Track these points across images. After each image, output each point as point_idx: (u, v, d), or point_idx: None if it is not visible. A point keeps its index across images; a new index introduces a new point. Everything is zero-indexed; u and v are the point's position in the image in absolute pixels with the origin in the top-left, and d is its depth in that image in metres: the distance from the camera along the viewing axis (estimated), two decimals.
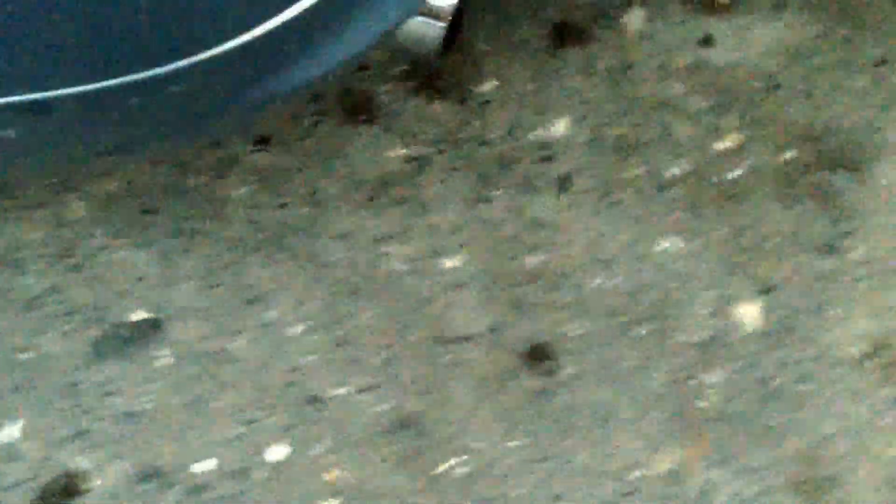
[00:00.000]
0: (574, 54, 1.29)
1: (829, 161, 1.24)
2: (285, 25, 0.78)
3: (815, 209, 1.22)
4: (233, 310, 1.15)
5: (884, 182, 1.24)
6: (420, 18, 0.95)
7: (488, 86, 1.27)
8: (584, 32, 1.30)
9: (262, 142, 1.23)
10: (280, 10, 0.77)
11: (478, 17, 1.30)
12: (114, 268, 1.17)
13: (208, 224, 1.19)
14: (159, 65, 0.75)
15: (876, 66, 1.30)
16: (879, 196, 1.23)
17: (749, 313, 1.18)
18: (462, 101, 1.26)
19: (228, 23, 0.76)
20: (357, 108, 1.26)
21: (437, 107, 1.26)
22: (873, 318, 1.18)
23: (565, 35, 1.30)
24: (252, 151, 1.23)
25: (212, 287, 1.16)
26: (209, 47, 0.76)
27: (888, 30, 1.31)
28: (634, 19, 1.31)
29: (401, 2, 0.86)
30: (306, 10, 0.78)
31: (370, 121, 1.25)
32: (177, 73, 0.76)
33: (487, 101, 1.26)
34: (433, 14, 0.95)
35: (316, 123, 1.25)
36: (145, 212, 1.20)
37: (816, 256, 1.20)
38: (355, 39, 0.84)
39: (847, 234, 1.22)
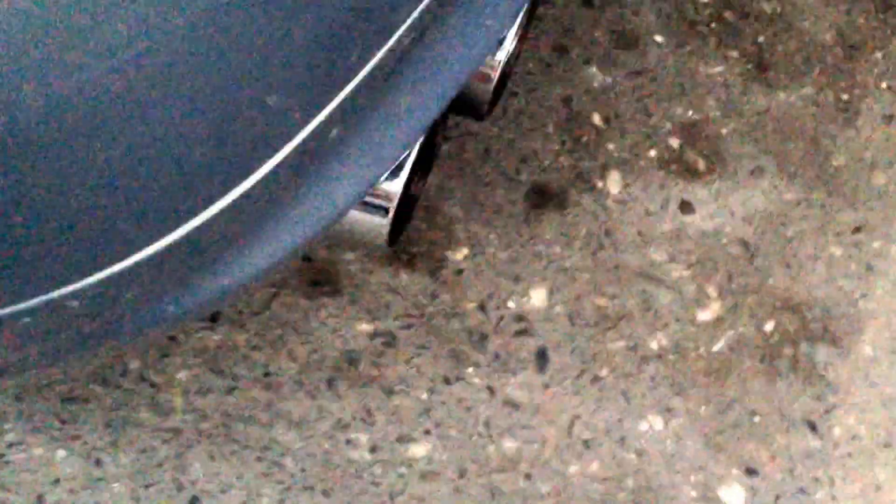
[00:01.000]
0: (550, 220, 1.24)
1: (810, 333, 1.22)
2: (201, 229, 0.65)
3: (798, 384, 1.19)
4: None
5: (865, 354, 1.22)
6: (361, 208, 0.82)
7: (460, 254, 1.21)
8: (561, 197, 1.25)
9: (212, 318, 1.14)
10: (194, 213, 0.64)
11: (450, 181, 1.24)
12: (29, 468, 1.05)
13: (143, 413, 1.09)
14: (57, 287, 0.63)
15: (853, 233, 1.28)
16: (862, 369, 1.21)
17: (736, 497, 1.15)
18: (432, 272, 1.19)
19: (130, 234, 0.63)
20: (319, 279, 1.18)
21: (406, 277, 1.19)
22: (861, 498, 1.14)
23: (541, 200, 1.25)
24: (198, 329, 1.13)
25: (145, 488, 1.06)
26: (111, 263, 0.64)
27: (864, 197, 1.30)
28: (612, 184, 1.26)
29: (351, 183, 0.73)
30: (233, 204, 0.65)
31: (333, 293, 1.17)
32: (76, 292, 0.64)
33: (459, 271, 1.20)
34: (378, 202, 0.81)
35: (273, 296, 1.16)
36: (69, 401, 1.08)
37: (801, 434, 1.17)
38: (291, 234, 0.71)
39: (831, 409, 1.19)
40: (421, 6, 0.64)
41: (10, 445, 1.06)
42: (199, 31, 0.55)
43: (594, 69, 1.32)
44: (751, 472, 1.14)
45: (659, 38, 1.35)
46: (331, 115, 0.62)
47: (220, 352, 1.13)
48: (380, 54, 0.62)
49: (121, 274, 0.63)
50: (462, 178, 1.25)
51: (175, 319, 0.69)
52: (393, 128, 0.67)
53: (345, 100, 0.62)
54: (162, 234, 0.62)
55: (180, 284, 0.67)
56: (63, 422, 1.07)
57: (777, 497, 1.13)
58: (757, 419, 1.16)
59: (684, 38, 1.36)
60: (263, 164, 0.62)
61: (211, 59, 0.56)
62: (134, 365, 1.11)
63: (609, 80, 1.32)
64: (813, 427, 1.17)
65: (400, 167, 0.78)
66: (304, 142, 0.62)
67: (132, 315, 0.68)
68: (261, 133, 0.61)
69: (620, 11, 1.36)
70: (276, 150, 0.61)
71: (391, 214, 0.80)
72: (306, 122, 0.61)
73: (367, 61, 0.62)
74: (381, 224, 0.80)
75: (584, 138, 1.29)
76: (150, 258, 0.62)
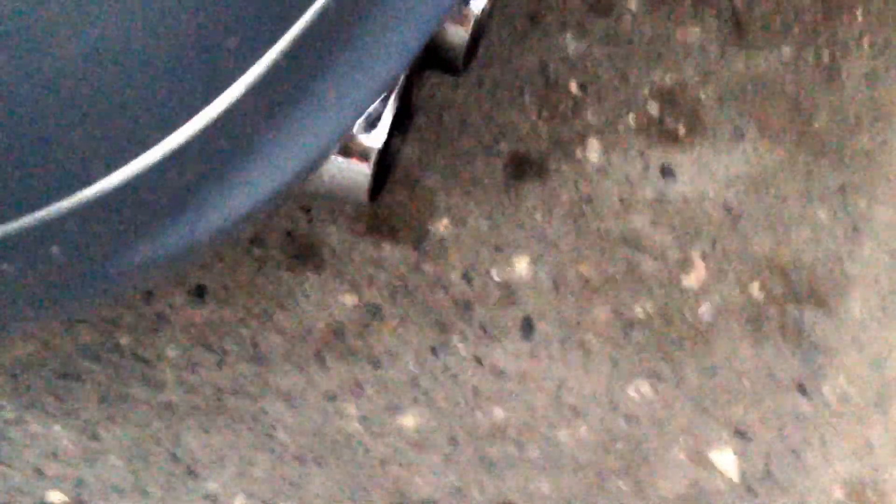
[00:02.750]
0: (531, 189, 1.23)
1: (797, 296, 1.21)
2: (156, 167, 0.61)
3: (785, 347, 1.18)
4: (165, 485, 1.05)
5: (853, 315, 1.21)
6: (342, 160, 0.80)
7: (442, 225, 1.20)
8: (541, 166, 1.24)
9: (198, 294, 1.13)
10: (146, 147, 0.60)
11: (429, 153, 1.23)
12: (27, 444, 1.05)
13: (136, 389, 1.09)
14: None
15: (837, 194, 1.26)
16: (850, 331, 1.20)
17: (726, 460, 1.14)
18: (414, 243, 1.19)
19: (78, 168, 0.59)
20: (302, 254, 1.17)
21: (388, 249, 1.18)
22: (852, 458, 1.14)
23: (521, 169, 1.24)
24: (187, 305, 1.12)
25: (141, 460, 1.06)
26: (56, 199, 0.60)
27: (847, 157, 1.29)
28: (591, 151, 1.25)
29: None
30: (190, 142, 0.62)
31: (317, 267, 1.16)
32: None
33: (442, 242, 1.19)
34: (358, 154, 0.81)
35: (258, 271, 1.15)
36: (64, 377, 1.08)
37: (791, 396, 1.17)
38: (267, 178, 0.68)
39: (820, 371, 1.18)
40: None
41: (7, 422, 1.07)
42: None
43: (569, 36, 1.31)
44: (741, 434, 1.14)
45: (633, 4, 1.34)
46: (292, 48, 0.61)
47: (209, 327, 1.13)
48: None
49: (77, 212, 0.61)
50: (441, 149, 1.25)
51: (141, 268, 0.67)
52: (363, 69, 0.66)
53: (306, 33, 0.61)
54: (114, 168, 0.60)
55: (138, 231, 0.65)
56: (58, 398, 1.07)
57: (768, 459, 1.12)
58: (745, 382, 1.16)
59: (659, 2, 1.35)
60: (228, 89, 0.60)
61: None
62: (125, 341, 1.11)
63: (584, 46, 1.31)
64: (802, 389, 1.16)
65: (378, 121, 0.77)
66: (266, 77, 0.60)
67: (83, 269, 0.65)
68: (223, 59, 0.59)
69: None
70: (232, 83, 0.60)
71: (371, 168, 0.79)
72: (262, 55, 0.60)
73: None
74: (361, 178, 0.79)
75: (562, 106, 1.28)
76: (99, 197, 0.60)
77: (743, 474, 1.12)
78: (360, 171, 0.80)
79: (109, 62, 0.57)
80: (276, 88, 0.63)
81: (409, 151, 1.24)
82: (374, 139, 0.79)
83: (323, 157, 0.71)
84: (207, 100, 0.59)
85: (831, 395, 1.17)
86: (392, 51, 0.67)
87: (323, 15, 0.61)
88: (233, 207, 0.65)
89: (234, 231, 0.68)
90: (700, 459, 1.12)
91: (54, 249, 0.62)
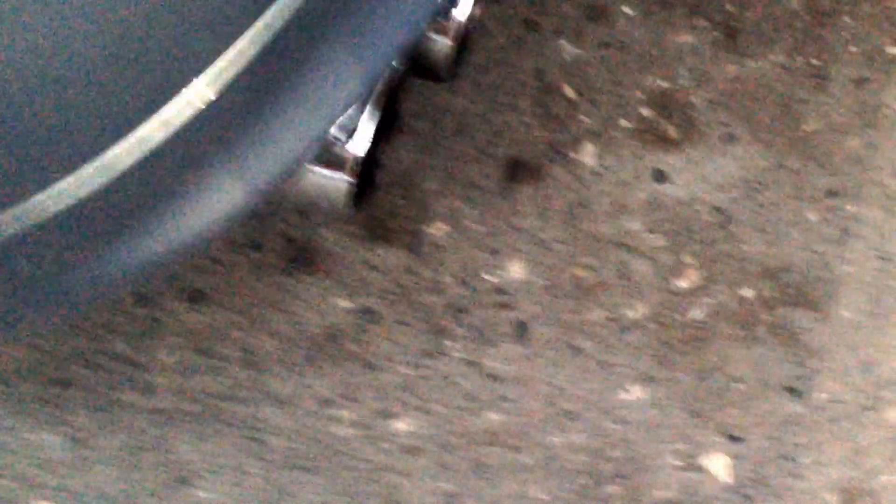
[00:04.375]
0: (526, 193, 1.19)
1: (788, 298, 1.18)
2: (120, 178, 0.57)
3: (778, 349, 1.15)
4: (158, 494, 0.99)
5: (844, 318, 1.18)
6: (323, 169, 0.77)
7: (437, 229, 1.16)
8: (536, 170, 1.21)
9: (194, 299, 1.09)
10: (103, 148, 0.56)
11: (425, 156, 1.20)
12: (19, 451, 1.00)
13: (130, 395, 1.03)
14: None
15: (827, 197, 1.24)
16: (841, 333, 1.17)
17: (719, 464, 1.10)
18: (410, 247, 1.15)
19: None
20: (299, 257, 1.13)
21: (384, 253, 1.14)
22: (846, 463, 1.10)
23: (517, 173, 1.21)
24: (182, 309, 1.08)
25: (134, 468, 1.00)
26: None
27: (837, 161, 1.26)
28: (586, 155, 1.22)
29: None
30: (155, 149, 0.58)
31: (312, 271, 1.12)
32: None
33: (438, 246, 1.15)
34: (339, 164, 0.77)
35: (254, 275, 1.11)
36: (57, 384, 1.03)
37: (783, 400, 1.12)
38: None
39: (813, 374, 1.14)
40: None
41: (4, 431, 1.01)
42: None
43: (564, 42, 1.28)
44: (734, 438, 1.09)
45: (627, 9, 1.31)
46: (269, 44, 0.57)
47: (203, 332, 1.07)
48: None
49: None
50: (437, 153, 1.21)
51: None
52: (341, 71, 0.63)
53: (281, 33, 0.58)
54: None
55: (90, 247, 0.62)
56: (52, 405, 1.02)
57: (761, 464, 1.08)
58: (738, 386, 1.11)
59: (653, 7, 1.32)
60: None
61: None
62: (119, 347, 1.05)
63: (580, 51, 1.28)
64: (795, 392, 1.12)
65: (362, 130, 0.73)
66: (239, 75, 0.57)
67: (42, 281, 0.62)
68: (197, 44, 0.56)
69: None
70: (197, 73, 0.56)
71: (352, 177, 0.75)
72: (227, 47, 0.56)
73: None
74: (342, 187, 0.75)
75: (557, 111, 1.25)
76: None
77: (736, 479, 1.07)
78: (340, 180, 0.76)
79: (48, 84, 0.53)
80: (254, 87, 0.60)
81: (404, 155, 1.20)
82: (355, 148, 0.75)
83: (304, 155, 0.68)
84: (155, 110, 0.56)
85: (823, 399, 1.12)
86: (370, 55, 0.65)
87: (277, 40, 0.58)
88: (191, 225, 0.62)
89: (197, 245, 0.65)
90: (693, 464, 1.07)
91: (21, 262, 0.59)
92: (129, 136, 0.56)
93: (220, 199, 0.61)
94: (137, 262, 0.61)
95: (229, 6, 0.56)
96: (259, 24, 0.58)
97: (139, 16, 0.54)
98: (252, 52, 0.58)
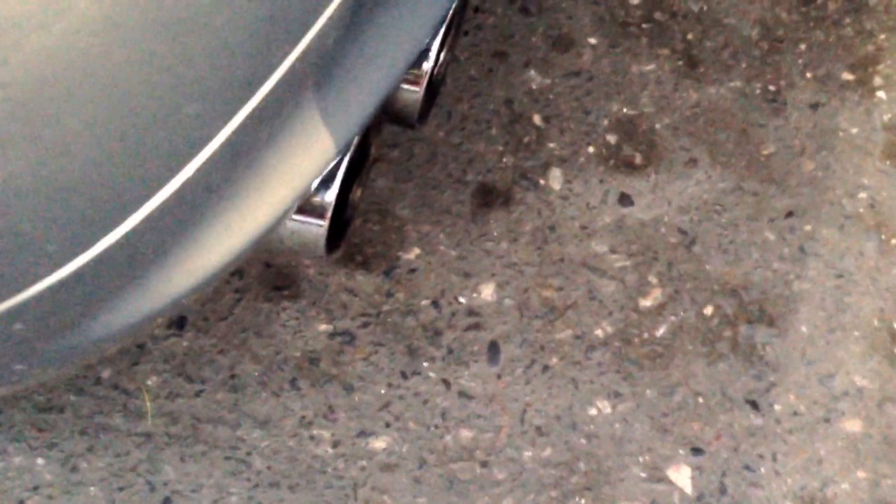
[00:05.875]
0: (497, 218, 1.21)
1: (749, 315, 1.20)
2: (101, 258, 0.59)
3: (739, 364, 1.16)
4: None
5: (801, 333, 1.19)
6: (299, 217, 0.76)
7: (412, 254, 1.18)
8: (506, 196, 1.22)
9: (178, 325, 1.10)
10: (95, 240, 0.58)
11: (401, 185, 1.21)
12: (10, 476, 1.01)
13: (116, 419, 1.04)
14: None
15: (785, 218, 1.26)
16: (799, 348, 1.18)
17: (683, 476, 1.11)
18: (386, 272, 1.16)
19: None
20: (279, 284, 1.14)
21: (361, 278, 1.16)
22: (803, 472, 1.11)
23: (487, 199, 1.22)
24: (167, 336, 1.09)
25: (120, 490, 1.01)
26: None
27: (794, 182, 1.28)
28: (554, 180, 1.24)
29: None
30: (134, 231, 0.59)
31: (293, 296, 1.13)
32: None
33: (412, 270, 1.17)
34: (314, 211, 0.76)
35: (236, 302, 1.12)
36: (45, 410, 1.04)
37: (743, 412, 1.13)
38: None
39: (771, 387, 1.16)
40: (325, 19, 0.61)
41: None
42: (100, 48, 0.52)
43: (533, 72, 1.30)
44: (697, 451, 1.11)
45: (593, 40, 1.33)
46: (250, 118, 0.59)
47: (188, 357, 1.08)
48: (290, 61, 0.59)
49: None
50: (411, 181, 1.22)
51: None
52: (315, 137, 0.65)
53: (259, 107, 0.59)
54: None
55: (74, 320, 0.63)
56: (41, 430, 1.03)
57: (723, 474, 1.10)
58: (701, 400, 1.13)
59: (617, 38, 1.34)
60: (187, 164, 0.58)
61: (125, 75, 0.53)
62: (106, 374, 1.06)
63: (548, 81, 1.30)
64: (755, 405, 1.13)
65: (332, 177, 0.73)
66: (225, 147, 0.59)
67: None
68: (183, 136, 0.58)
69: (556, 16, 1.34)
70: (196, 154, 0.58)
71: (327, 224, 0.75)
72: (222, 127, 0.58)
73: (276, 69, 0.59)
74: (317, 234, 0.75)
75: (526, 138, 1.27)
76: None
77: (699, 490, 1.09)
78: (316, 226, 0.76)
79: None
80: (238, 155, 0.61)
81: (380, 183, 1.22)
82: (329, 195, 0.75)
83: (286, 213, 0.69)
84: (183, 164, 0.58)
85: (782, 411, 1.13)
86: (341, 122, 0.66)
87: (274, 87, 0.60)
88: (172, 292, 0.64)
89: (172, 310, 0.66)
90: (658, 476, 1.08)
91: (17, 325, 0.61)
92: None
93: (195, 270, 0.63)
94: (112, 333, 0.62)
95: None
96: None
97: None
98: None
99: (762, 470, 1.11)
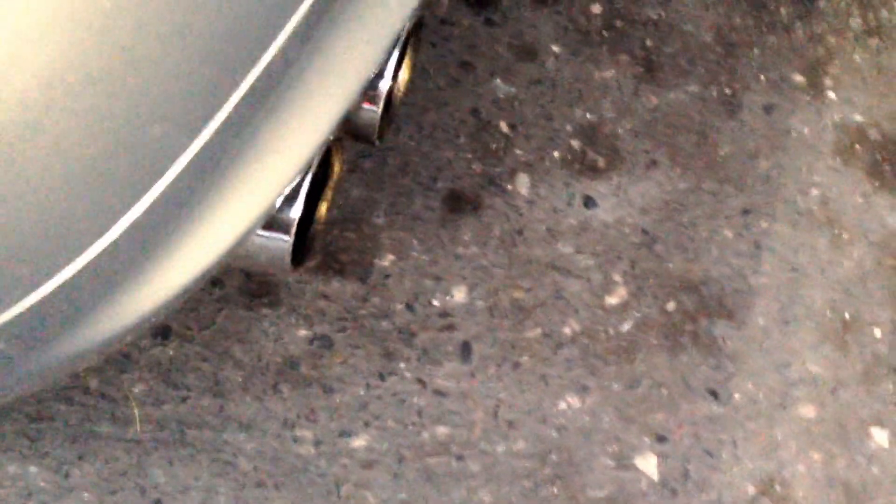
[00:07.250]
0: (467, 223, 1.24)
1: (708, 309, 1.22)
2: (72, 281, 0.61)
3: (699, 356, 1.19)
4: None
5: (758, 325, 1.22)
6: (264, 233, 0.76)
7: (386, 260, 1.20)
8: (475, 201, 1.25)
9: (162, 335, 1.13)
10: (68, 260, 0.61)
11: (374, 193, 1.24)
12: (4, 485, 1.03)
13: (105, 427, 1.07)
14: None
15: (742, 215, 1.29)
16: (756, 339, 1.21)
17: (648, 463, 1.14)
18: (362, 278, 1.19)
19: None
20: (259, 292, 1.16)
21: (338, 285, 1.18)
22: (762, 456, 1.15)
23: (457, 205, 1.25)
24: (152, 345, 1.12)
25: (111, 494, 1.03)
26: None
27: (750, 182, 1.31)
28: (521, 185, 1.27)
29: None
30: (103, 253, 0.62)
31: (272, 304, 1.16)
32: None
33: (387, 276, 1.19)
34: (279, 227, 0.77)
35: (218, 310, 1.15)
36: (36, 420, 1.06)
37: (704, 401, 1.17)
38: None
39: (730, 377, 1.19)
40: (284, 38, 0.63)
41: None
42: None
43: (498, 81, 1.32)
44: (661, 439, 1.14)
45: (556, 49, 1.35)
46: (216, 134, 0.61)
47: (172, 365, 1.10)
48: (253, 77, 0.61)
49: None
50: (384, 190, 1.25)
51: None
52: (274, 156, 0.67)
53: (225, 123, 0.61)
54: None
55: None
56: (32, 440, 1.05)
57: (686, 461, 1.13)
58: (664, 391, 1.16)
59: (579, 46, 1.36)
60: (151, 187, 0.60)
61: (91, 95, 0.55)
62: (93, 383, 1.08)
63: (513, 90, 1.32)
64: (715, 395, 1.17)
65: (296, 194, 0.75)
66: (190, 164, 0.61)
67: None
68: (149, 155, 0.59)
69: (519, 27, 1.36)
70: (162, 175, 0.60)
71: (291, 239, 0.76)
72: (188, 145, 0.60)
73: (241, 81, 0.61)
74: (283, 249, 0.77)
75: (493, 145, 1.29)
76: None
77: (664, 476, 1.12)
78: (282, 241, 0.77)
79: None
80: (203, 172, 0.63)
81: (354, 192, 1.25)
82: (294, 211, 0.76)
83: (249, 234, 0.71)
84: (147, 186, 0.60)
85: (741, 399, 1.16)
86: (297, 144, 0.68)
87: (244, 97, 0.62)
88: (141, 311, 0.66)
89: (143, 328, 0.68)
90: (625, 464, 1.12)
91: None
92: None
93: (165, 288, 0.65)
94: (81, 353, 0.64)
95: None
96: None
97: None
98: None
99: (723, 455, 1.14)
